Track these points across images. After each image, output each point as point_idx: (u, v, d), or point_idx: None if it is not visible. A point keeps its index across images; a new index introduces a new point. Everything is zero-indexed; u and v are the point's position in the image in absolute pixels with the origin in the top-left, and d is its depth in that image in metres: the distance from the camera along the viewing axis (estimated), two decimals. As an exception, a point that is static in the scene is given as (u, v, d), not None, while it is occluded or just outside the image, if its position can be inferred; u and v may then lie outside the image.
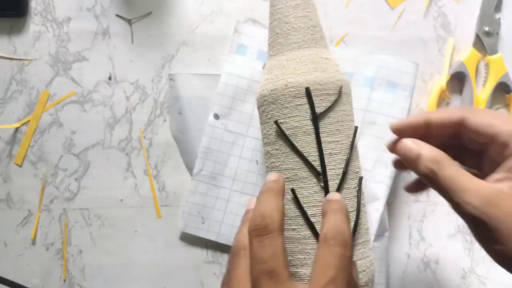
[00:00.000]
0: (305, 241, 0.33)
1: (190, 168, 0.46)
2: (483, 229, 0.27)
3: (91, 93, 0.46)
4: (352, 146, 0.35)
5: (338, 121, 0.35)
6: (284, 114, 0.35)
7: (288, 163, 0.35)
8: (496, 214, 0.27)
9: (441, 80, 0.46)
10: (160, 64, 0.47)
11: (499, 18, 0.47)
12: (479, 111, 0.32)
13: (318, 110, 0.34)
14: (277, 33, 0.37)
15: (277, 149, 0.35)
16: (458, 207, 0.28)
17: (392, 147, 0.32)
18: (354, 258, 0.33)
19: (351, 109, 0.36)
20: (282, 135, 0.35)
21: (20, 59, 0.47)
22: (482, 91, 0.47)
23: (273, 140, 0.36)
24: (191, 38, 0.47)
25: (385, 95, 0.45)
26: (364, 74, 0.45)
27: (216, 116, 0.45)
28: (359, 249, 0.34)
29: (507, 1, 0.48)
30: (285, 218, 0.34)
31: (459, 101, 0.47)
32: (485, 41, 0.47)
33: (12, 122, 0.46)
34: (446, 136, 0.33)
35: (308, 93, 0.34)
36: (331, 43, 0.47)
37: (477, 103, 0.46)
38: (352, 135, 0.35)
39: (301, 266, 0.33)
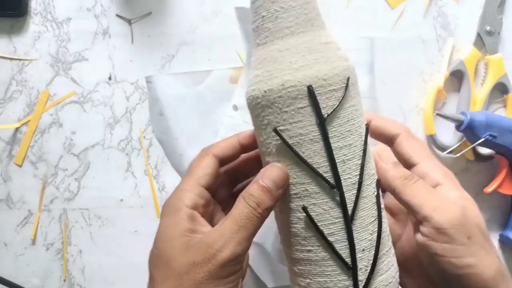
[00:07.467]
0: (324, 263, 0.29)
1: (178, 169, 0.46)
2: (445, 241, 0.28)
3: (91, 93, 0.46)
4: (366, 147, 0.30)
5: (348, 120, 0.29)
6: (284, 120, 0.29)
7: (295, 176, 0.29)
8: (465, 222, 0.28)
9: (439, 79, 0.46)
10: (160, 64, 0.47)
11: (501, 18, 0.47)
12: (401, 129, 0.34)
13: (325, 111, 0.28)
14: (263, 16, 0.29)
15: (279, 161, 0.30)
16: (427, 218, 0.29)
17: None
18: (380, 272, 0.29)
19: (360, 101, 0.30)
20: (284, 144, 0.29)
21: (20, 59, 0.47)
22: (480, 90, 0.47)
23: (274, 150, 0.30)
24: (191, 38, 0.47)
25: None
26: None
27: (235, 107, 0.45)
28: (383, 260, 0.30)
29: (510, 1, 0.48)
30: (298, 239, 0.30)
31: (456, 99, 0.47)
32: (486, 40, 0.47)
33: (12, 122, 0.46)
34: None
35: (311, 92, 0.28)
36: (331, 43, 0.47)
37: (474, 102, 0.46)
38: (364, 134, 0.30)
39: None
